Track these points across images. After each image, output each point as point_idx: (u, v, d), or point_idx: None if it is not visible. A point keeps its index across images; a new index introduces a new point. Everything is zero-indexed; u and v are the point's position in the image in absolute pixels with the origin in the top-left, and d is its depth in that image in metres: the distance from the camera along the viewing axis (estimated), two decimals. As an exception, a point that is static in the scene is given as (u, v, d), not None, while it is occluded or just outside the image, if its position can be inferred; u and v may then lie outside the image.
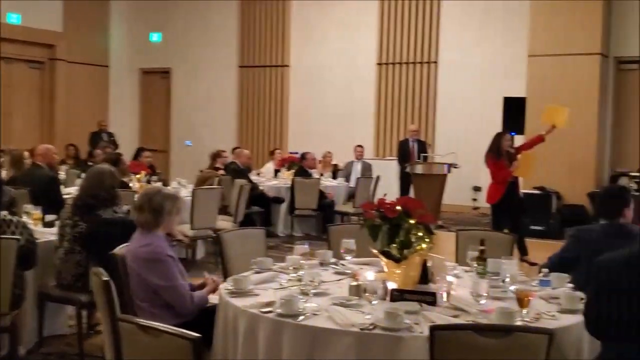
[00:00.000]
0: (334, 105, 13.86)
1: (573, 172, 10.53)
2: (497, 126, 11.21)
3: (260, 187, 9.68)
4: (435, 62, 13.00)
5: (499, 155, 7.82)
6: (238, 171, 9.37)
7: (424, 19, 13.06)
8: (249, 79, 14.90)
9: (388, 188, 10.04)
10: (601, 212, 3.99)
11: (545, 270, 3.69)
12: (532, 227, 9.77)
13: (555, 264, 3.89)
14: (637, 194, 8.77)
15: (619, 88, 11.53)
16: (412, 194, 10.14)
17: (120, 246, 3.66)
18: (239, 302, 3.15)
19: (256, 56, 14.78)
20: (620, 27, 11.22)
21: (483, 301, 3.07)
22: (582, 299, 3.06)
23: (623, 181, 9.68)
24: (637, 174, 9.96)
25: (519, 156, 7.97)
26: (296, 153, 11.56)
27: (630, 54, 11.27)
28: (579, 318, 2.94)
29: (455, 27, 12.81)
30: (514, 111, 11.09)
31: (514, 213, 8.02)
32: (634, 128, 11.37)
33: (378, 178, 10.52)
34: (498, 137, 7.99)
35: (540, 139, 8.14)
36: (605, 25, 11.04)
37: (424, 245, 3.39)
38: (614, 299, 2.62)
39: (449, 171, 10.09)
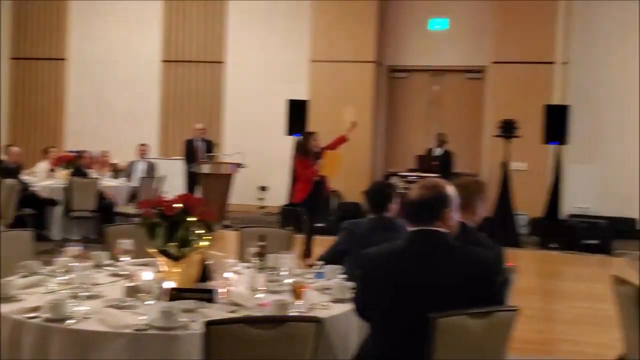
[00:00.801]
0: (116, 102, 13.36)
1: (350, 172, 11.12)
2: (281, 127, 11.56)
3: (32, 187, 9.04)
4: (222, 62, 13.07)
5: (305, 155, 7.97)
6: (7, 170, 8.68)
7: (212, 18, 13.06)
8: (22, 71, 13.86)
9: (174, 188, 9.86)
10: (370, 207, 4.29)
11: (321, 262, 3.87)
12: (314, 225, 10.16)
13: (329, 256, 4.10)
14: (404, 191, 9.50)
15: (391, 95, 12.45)
16: (198, 193, 10.08)
17: None
18: (1, 309, 2.92)
19: (30, 48, 13.78)
20: (393, 37, 12.12)
21: (260, 295, 3.14)
22: (352, 288, 3.25)
23: (394, 180, 10.43)
24: (405, 174, 10.85)
25: (324, 155, 8.17)
26: (74, 152, 10.96)
27: (402, 63, 12.23)
28: (348, 306, 3.11)
29: (241, 28, 12.96)
30: (297, 113, 11.47)
31: (318, 212, 8.24)
32: (404, 132, 12.37)
33: (163, 178, 10.32)
34: (305, 137, 8.14)
35: (343, 139, 8.36)
36: (380, 34, 11.84)
37: (203, 243, 3.38)
38: (378, 289, 2.81)
39: (235, 171, 10.18)
